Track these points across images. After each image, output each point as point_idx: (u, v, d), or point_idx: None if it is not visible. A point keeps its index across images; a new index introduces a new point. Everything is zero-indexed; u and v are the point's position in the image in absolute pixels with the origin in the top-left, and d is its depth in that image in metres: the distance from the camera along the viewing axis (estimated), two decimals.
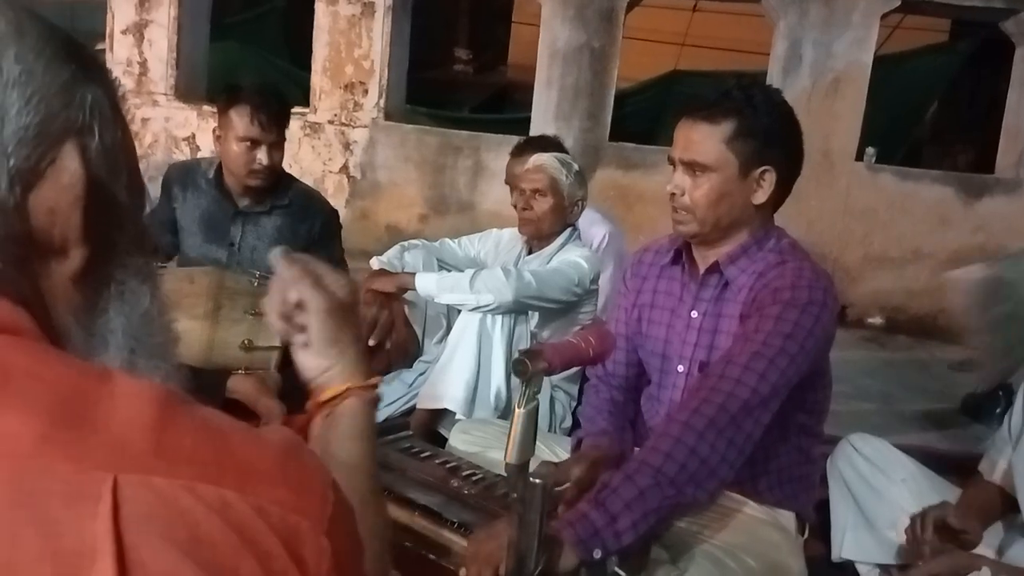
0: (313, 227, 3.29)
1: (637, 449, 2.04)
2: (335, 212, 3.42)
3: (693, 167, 1.90)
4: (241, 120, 3.00)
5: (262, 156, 3.02)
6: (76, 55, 0.64)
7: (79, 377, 0.53)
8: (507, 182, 3.48)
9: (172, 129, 6.68)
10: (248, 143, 3.00)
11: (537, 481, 1.36)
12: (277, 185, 3.21)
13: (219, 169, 3.18)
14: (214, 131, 3.13)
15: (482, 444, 2.32)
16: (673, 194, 1.93)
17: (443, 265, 3.16)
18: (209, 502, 0.50)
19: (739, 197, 1.90)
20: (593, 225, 3.57)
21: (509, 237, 3.25)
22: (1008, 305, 3.55)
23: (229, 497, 0.51)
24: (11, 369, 0.51)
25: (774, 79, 5.97)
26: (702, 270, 1.99)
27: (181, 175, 3.27)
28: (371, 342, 2.79)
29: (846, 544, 2.26)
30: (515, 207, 3.07)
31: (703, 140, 1.88)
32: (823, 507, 2.30)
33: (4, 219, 0.58)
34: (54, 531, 0.47)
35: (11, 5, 0.62)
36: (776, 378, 1.74)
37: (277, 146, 3.09)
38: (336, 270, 2.88)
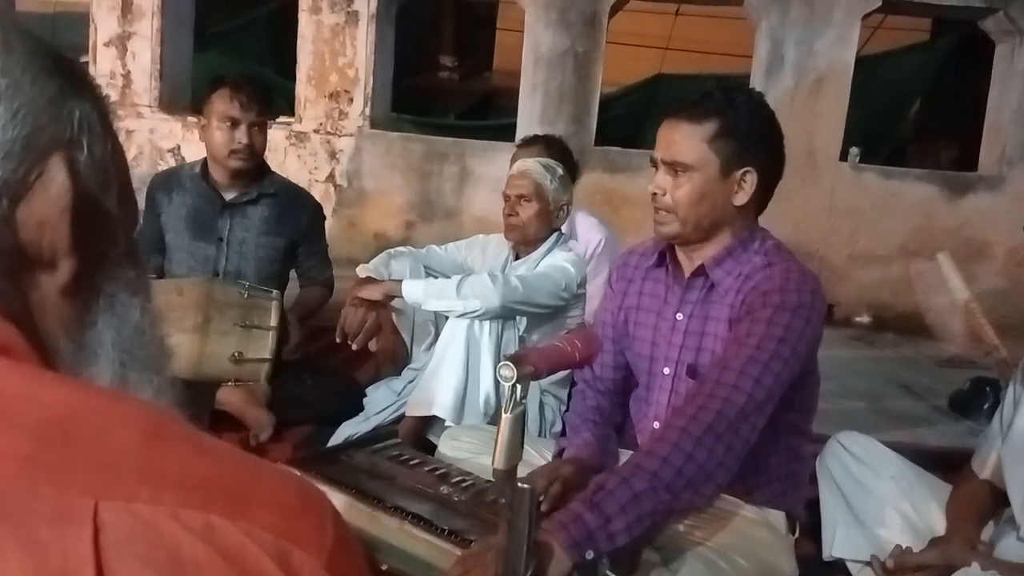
0: (300, 219, 3.34)
1: (626, 451, 2.05)
2: (320, 205, 3.49)
3: (675, 167, 1.91)
4: (222, 101, 3.13)
5: (242, 135, 3.11)
6: (64, 69, 0.64)
7: (70, 399, 0.53)
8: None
9: (157, 141, 6.65)
10: (229, 123, 3.10)
11: (525, 486, 1.36)
12: (262, 173, 3.27)
13: (204, 165, 3.24)
14: (199, 121, 3.20)
15: (471, 450, 2.32)
16: (655, 194, 1.94)
17: (430, 272, 3.16)
18: (193, 527, 0.50)
19: (720, 198, 1.91)
20: (590, 230, 3.59)
21: (496, 243, 3.26)
22: None
23: (215, 522, 0.50)
24: (1, 390, 0.51)
25: (757, 80, 6.00)
26: (687, 273, 2.00)
27: (164, 181, 3.33)
28: (355, 346, 2.80)
29: (836, 542, 2.27)
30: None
31: (685, 139, 1.90)
32: (813, 506, 2.31)
33: None
34: (39, 552, 0.47)
35: None
36: (771, 382, 1.75)
37: (258, 128, 3.17)
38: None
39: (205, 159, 3.25)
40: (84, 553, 0.47)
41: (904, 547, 2.08)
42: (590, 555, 1.55)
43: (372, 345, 2.83)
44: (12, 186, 0.59)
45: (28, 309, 0.62)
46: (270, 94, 3.32)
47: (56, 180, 0.62)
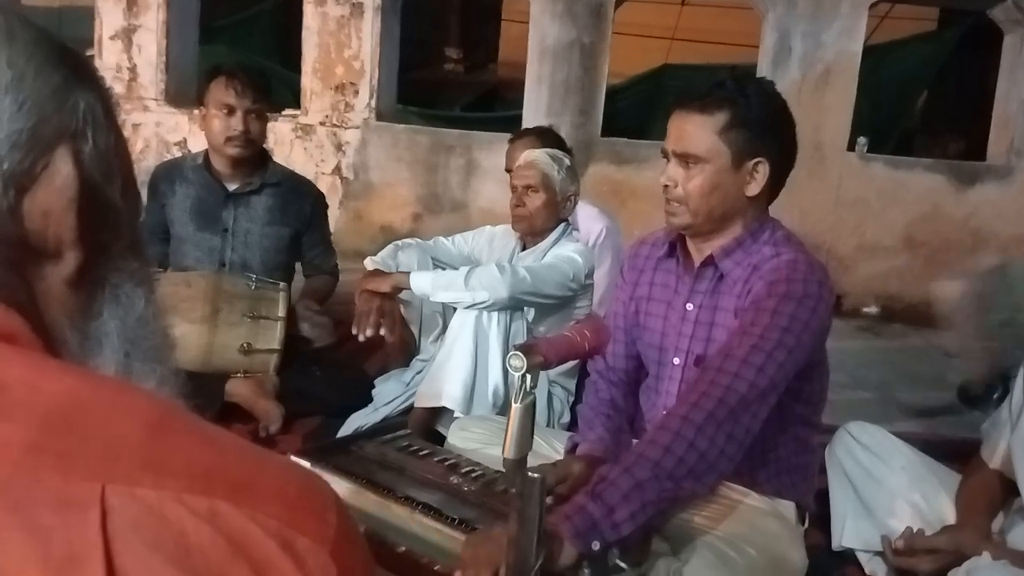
0: (304, 208, 3.35)
1: (635, 441, 2.05)
2: (322, 194, 3.50)
3: (686, 158, 1.90)
4: (218, 88, 3.15)
5: (237, 123, 3.12)
6: (68, 60, 0.64)
7: (75, 387, 0.53)
8: (507, 169, 3.45)
9: (163, 134, 6.65)
10: (225, 110, 3.12)
11: (535, 476, 1.36)
12: (263, 163, 3.28)
13: (206, 156, 3.25)
14: (200, 111, 3.21)
15: (481, 441, 2.32)
16: (666, 186, 1.94)
17: (437, 263, 3.15)
18: (198, 511, 0.50)
19: (732, 189, 1.90)
20: (590, 220, 3.57)
21: (503, 234, 3.25)
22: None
23: (220, 507, 0.51)
24: (6, 379, 0.51)
25: (764, 71, 5.97)
26: (697, 263, 1.99)
27: (167, 172, 3.33)
28: (382, 331, 2.79)
29: (846, 533, 2.27)
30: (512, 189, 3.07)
31: (696, 131, 1.89)
32: (823, 496, 2.31)
33: None
34: (44, 537, 0.47)
35: (2, 11, 0.62)
36: (774, 371, 1.75)
37: (256, 116, 3.17)
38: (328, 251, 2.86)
39: (207, 150, 3.26)
40: (91, 538, 0.47)
41: (916, 530, 2.08)
42: (596, 546, 1.55)
43: (386, 335, 2.82)
44: (18, 177, 0.60)
45: (34, 299, 0.62)
46: (269, 83, 3.32)
47: (62, 171, 0.62)
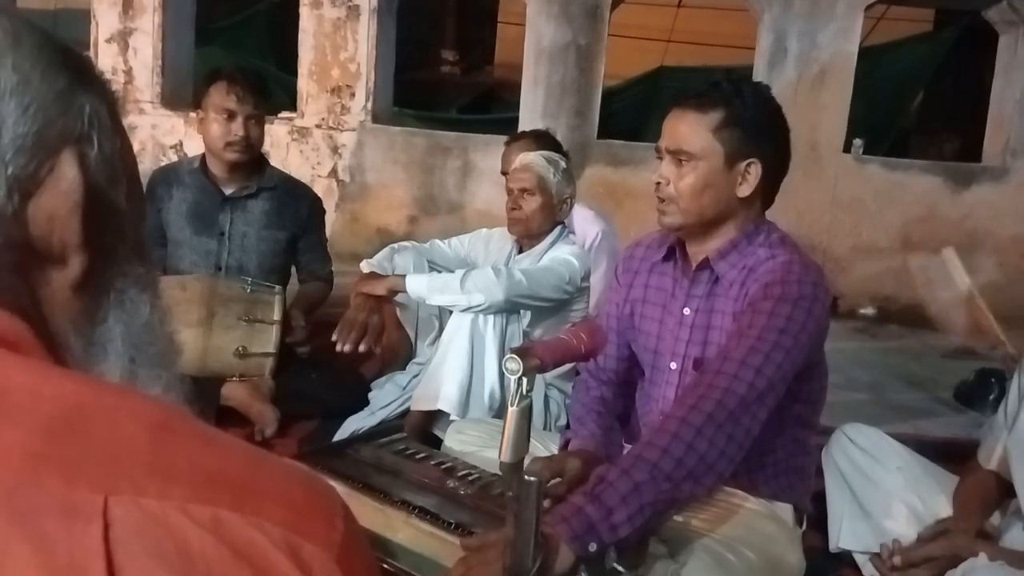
0: (300, 211, 3.35)
1: (629, 445, 2.05)
2: (319, 198, 3.50)
3: (679, 155, 1.90)
4: (218, 93, 3.14)
5: (238, 128, 3.12)
6: (73, 64, 0.64)
7: (78, 394, 0.52)
8: (503, 172, 3.45)
9: (159, 136, 6.65)
10: (225, 115, 3.12)
11: (532, 479, 1.36)
12: (260, 167, 3.28)
13: (203, 160, 3.25)
14: (197, 114, 3.20)
15: (477, 444, 2.32)
16: (658, 184, 1.94)
17: (433, 266, 3.15)
18: (201, 521, 0.50)
19: (724, 189, 1.90)
20: (586, 222, 3.57)
21: (499, 236, 3.25)
22: None
23: (224, 516, 0.50)
24: (8, 384, 0.51)
25: (760, 73, 5.99)
26: (693, 266, 1.99)
27: (164, 176, 3.33)
28: (362, 347, 2.79)
29: (843, 534, 2.28)
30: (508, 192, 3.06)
31: (690, 128, 1.89)
32: (819, 498, 2.31)
33: (3, 227, 0.59)
34: (47, 546, 0.46)
35: (7, 15, 0.62)
36: (772, 372, 1.75)
37: (255, 120, 3.18)
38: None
39: (204, 154, 3.26)
40: (93, 548, 0.47)
41: (899, 540, 2.09)
42: (593, 547, 1.54)
43: (363, 349, 2.80)
44: (23, 181, 0.59)
45: (38, 305, 0.62)
46: (268, 87, 3.32)
47: (67, 175, 0.62)
